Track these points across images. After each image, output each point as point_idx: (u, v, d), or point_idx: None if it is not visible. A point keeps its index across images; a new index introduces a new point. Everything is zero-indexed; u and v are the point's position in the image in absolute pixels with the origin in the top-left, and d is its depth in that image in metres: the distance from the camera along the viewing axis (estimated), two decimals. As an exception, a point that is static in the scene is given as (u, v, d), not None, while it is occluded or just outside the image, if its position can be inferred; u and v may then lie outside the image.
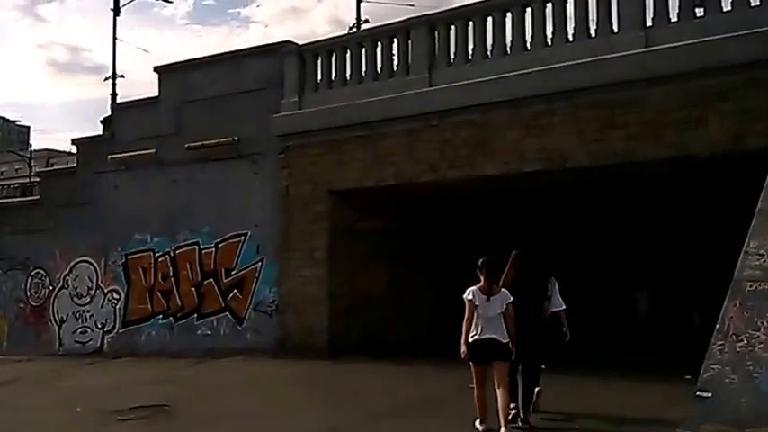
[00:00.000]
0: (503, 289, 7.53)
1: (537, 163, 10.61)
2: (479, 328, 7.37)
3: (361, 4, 24.16)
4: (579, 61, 10.23)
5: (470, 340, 7.40)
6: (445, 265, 13.64)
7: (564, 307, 8.35)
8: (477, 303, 7.39)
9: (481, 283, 7.47)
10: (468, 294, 7.47)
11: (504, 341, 7.37)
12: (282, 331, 13.11)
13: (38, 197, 17.11)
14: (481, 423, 7.46)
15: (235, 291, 13.79)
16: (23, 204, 18.12)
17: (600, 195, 13.04)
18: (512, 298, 7.45)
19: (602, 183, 11.74)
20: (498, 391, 7.28)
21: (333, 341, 12.54)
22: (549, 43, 10.79)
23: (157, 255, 14.78)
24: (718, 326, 7.82)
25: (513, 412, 7.56)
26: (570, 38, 10.62)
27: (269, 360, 12.75)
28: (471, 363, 7.47)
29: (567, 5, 10.68)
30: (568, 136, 10.31)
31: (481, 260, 7.55)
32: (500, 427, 7.16)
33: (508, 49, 11.15)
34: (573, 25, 10.60)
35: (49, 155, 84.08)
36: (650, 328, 14.67)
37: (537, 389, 8.10)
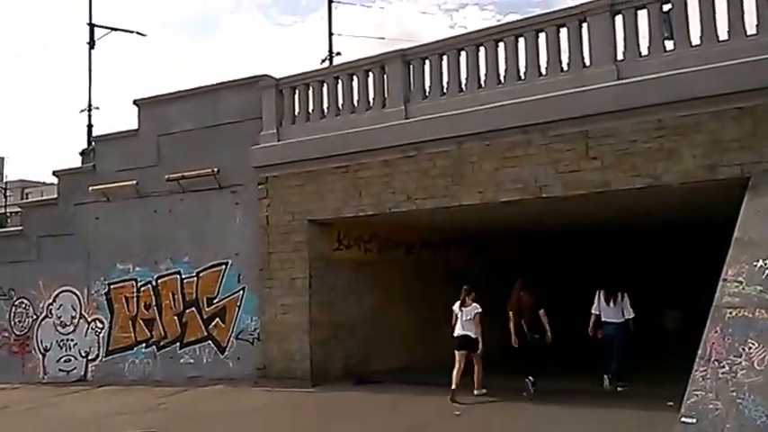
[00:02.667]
0: (474, 303, 10.53)
1: (513, 192, 10.07)
2: (458, 328, 10.54)
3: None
4: (553, 94, 9.76)
5: (454, 335, 10.57)
6: (427, 293, 13.14)
7: (633, 315, 10.64)
8: (456, 312, 10.62)
9: (461, 299, 10.60)
10: (454, 306, 10.68)
11: (474, 337, 10.45)
12: (264, 359, 12.40)
13: (20, 228, 16.20)
14: (455, 385, 10.20)
15: (217, 319, 13.06)
16: (6, 235, 17.15)
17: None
18: (479, 309, 10.47)
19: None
20: (476, 367, 10.53)
21: (315, 369, 11.87)
22: (523, 77, 10.30)
23: (140, 284, 13.99)
24: (700, 352, 7.39)
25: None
26: (543, 71, 10.15)
27: (252, 388, 12.12)
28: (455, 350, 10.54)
29: (540, 41, 10.21)
30: (544, 166, 9.80)
31: (464, 287, 10.69)
32: (474, 389, 10.47)
33: (482, 83, 10.63)
34: (546, 59, 10.13)
35: (24, 185, 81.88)
36: (679, 340, 14.87)
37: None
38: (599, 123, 9.40)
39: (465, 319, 10.49)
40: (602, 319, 10.77)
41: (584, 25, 9.86)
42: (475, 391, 10.45)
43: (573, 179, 9.60)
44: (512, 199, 10.10)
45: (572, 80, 9.76)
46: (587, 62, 9.81)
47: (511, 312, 10.56)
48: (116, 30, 23.20)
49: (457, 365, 10.33)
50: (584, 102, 9.49)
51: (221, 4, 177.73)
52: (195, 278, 13.37)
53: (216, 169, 13.13)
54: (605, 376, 10.56)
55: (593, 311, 10.89)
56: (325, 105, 12.32)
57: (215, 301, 13.13)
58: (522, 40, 10.37)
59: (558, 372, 10.86)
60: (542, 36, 10.22)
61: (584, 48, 9.83)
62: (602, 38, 9.64)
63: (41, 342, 15.24)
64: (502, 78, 10.49)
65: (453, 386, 10.15)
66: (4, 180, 75.35)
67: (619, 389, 10.36)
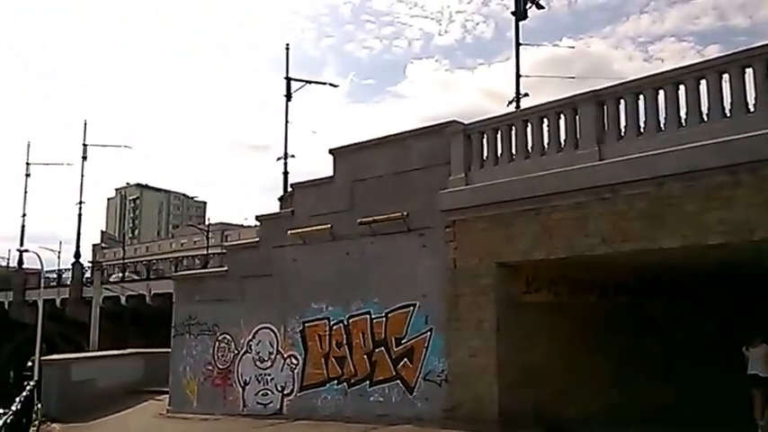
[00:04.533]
0: (762, 344, 11.42)
1: (720, 236, 9.66)
2: (748, 367, 11.46)
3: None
4: (763, 132, 9.32)
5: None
6: (622, 339, 12.75)
7: None
8: (745, 353, 11.60)
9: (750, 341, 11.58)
10: (744, 348, 11.68)
11: (763, 376, 11.25)
12: (452, 401, 12.55)
13: (226, 268, 17.72)
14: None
15: (405, 359, 13.42)
16: (213, 275, 18.85)
17: None
18: None
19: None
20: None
21: (504, 413, 11.83)
22: (728, 114, 9.94)
23: (332, 323, 14.72)
24: None
25: None
26: (751, 108, 9.75)
27: (440, 429, 12.22)
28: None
29: (746, 76, 9.84)
30: (755, 208, 9.34)
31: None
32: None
33: (683, 122, 10.38)
34: (753, 95, 9.73)
35: (224, 228, 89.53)
36: None
37: None
38: (820, 160, 8.86)
39: (753, 358, 11.44)
40: None
41: (799, 57, 9.40)
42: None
43: (790, 221, 9.04)
44: (718, 242, 9.67)
45: (786, 116, 9.29)
46: (804, 96, 9.30)
47: None
48: (310, 82, 25.10)
49: (756, 403, 11.34)
50: (802, 138, 8.99)
51: (408, 51, 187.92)
52: (384, 318, 13.86)
53: (405, 213, 13.69)
54: None
55: None
56: (514, 149, 12.54)
57: (403, 342, 13.52)
58: (726, 77, 10.05)
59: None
60: (749, 71, 9.85)
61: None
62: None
63: (241, 376, 16.28)
64: (704, 116, 10.19)
65: (760, 422, 11.29)
66: (207, 223, 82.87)
67: None
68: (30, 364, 28.56)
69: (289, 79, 25.61)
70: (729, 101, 10.00)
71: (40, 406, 17.79)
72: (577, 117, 11.62)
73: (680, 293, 13.92)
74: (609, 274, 12.83)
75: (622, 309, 13.21)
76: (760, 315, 13.02)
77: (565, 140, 11.80)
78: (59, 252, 57.99)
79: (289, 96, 25.97)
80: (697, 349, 12.18)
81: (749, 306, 13.57)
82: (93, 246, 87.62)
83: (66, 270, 49.78)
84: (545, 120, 12.13)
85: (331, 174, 15.49)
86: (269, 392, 15.68)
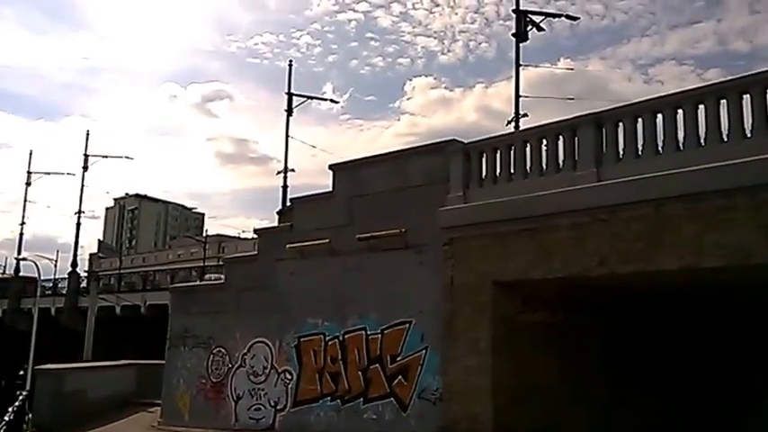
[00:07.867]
0: None
1: (716, 259, 9.69)
2: None
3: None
4: (761, 157, 9.40)
5: None
6: (621, 362, 12.72)
7: None
8: None
9: None
10: None
11: None
12: (446, 420, 12.47)
13: (222, 281, 17.68)
14: None
15: (399, 377, 13.35)
16: (209, 287, 18.82)
17: None
18: None
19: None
20: None
21: (499, 433, 11.80)
22: (726, 139, 10.03)
23: (327, 338, 14.65)
24: None
25: None
26: (748, 134, 9.83)
27: (434, 448, 12.22)
28: None
29: (744, 102, 9.93)
30: (752, 232, 9.38)
31: None
32: None
33: (680, 145, 10.47)
34: (750, 121, 9.82)
35: (221, 239, 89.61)
36: None
37: None
38: (816, 186, 8.92)
39: None
40: None
41: (796, 85, 9.49)
42: None
43: (786, 246, 9.08)
44: (716, 265, 9.71)
45: (782, 142, 9.36)
46: (800, 122, 9.39)
47: None
48: (312, 98, 25.32)
49: None
50: (798, 164, 9.06)
51: (410, 69, 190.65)
52: (380, 335, 13.79)
53: (403, 230, 13.72)
54: None
55: None
56: (513, 168, 12.59)
57: (398, 359, 13.45)
58: (723, 102, 10.15)
59: None
60: (746, 97, 9.95)
61: (797, 107, 9.44)
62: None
63: (235, 390, 16.12)
64: (702, 141, 10.28)
65: None
66: (205, 234, 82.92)
67: None
68: (21, 372, 28.46)
69: (290, 94, 25.82)
70: (727, 126, 10.08)
71: (31, 416, 17.69)
72: (576, 139, 11.70)
73: (680, 316, 13.93)
74: (607, 295, 12.85)
75: (620, 330, 13.18)
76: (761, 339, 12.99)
77: (563, 161, 11.86)
78: (56, 261, 57.90)
79: (290, 111, 26.14)
80: (698, 371, 12.12)
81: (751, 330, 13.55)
82: (91, 255, 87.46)
83: (62, 279, 49.76)
84: (544, 140, 12.20)
85: (330, 189, 15.55)
86: (262, 407, 15.55)
